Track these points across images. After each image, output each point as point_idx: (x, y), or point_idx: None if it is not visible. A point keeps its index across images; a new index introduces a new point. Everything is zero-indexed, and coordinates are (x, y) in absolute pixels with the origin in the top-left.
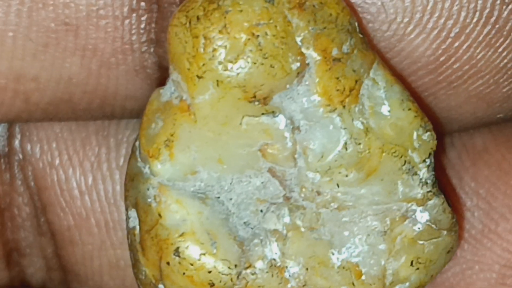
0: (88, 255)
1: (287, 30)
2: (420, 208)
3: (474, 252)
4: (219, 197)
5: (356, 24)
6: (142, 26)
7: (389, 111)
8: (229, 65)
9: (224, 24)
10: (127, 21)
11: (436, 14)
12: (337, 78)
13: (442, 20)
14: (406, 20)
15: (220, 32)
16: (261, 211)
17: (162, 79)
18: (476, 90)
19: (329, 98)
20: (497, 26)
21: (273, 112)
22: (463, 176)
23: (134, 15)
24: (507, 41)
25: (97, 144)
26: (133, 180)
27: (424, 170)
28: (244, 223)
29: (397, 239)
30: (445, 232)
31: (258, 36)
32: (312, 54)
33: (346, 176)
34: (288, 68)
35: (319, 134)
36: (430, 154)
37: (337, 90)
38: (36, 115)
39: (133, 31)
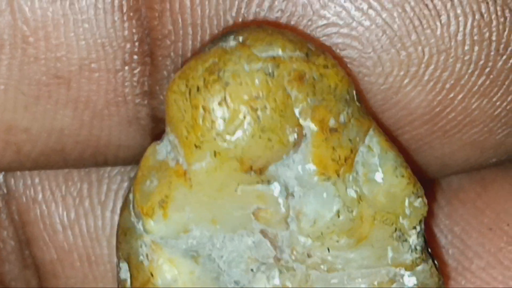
0: None
1: (286, 103)
2: (408, 273)
3: None
4: (210, 254)
5: (354, 92)
6: (135, 78)
7: (382, 178)
8: (227, 137)
9: (223, 96)
10: (119, 74)
11: (432, 67)
12: (333, 148)
13: (437, 72)
14: (402, 73)
15: (219, 104)
16: (252, 270)
17: (156, 129)
18: (470, 138)
19: (324, 168)
20: (491, 76)
21: (268, 181)
22: (438, 213)
23: (126, 68)
24: (501, 91)
25: (79, 180)
26: (126, 235)
27: (414, 236)
28: (235, 281)
29: None
30: None
31: (257, 109)
32: (310, 125)
33: (337, 241)
34: (285, 141)
35: (313, 201)
36: (420, 221)
37: (333, 159)
38: (28, 165)
39: (126, 84)
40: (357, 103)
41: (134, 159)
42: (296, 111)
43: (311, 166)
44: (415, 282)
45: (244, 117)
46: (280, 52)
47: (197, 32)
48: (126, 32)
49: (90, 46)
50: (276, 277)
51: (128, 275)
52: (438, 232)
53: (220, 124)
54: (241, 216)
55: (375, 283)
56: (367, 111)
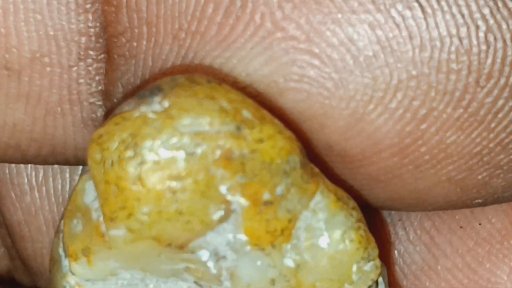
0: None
1: (209, 183)
2: None
3: None
4: None
5: (298, 158)
6: (90, 76)
7: (328, 244)
8: (141, 218)
9: (139, 176)
10: (74, 70)
11: (400, 94)
12: (267, 221)
13: (407, 100)
14: (366, 98)
15: (133, 183)
16: None
17: None
18: (447, 175)
19: (257, 239)
20: (469, 109)
21: (192, 251)
22: None
23: (81, 64)
24: (481, 127)
25: None
26: (54, 265)
27: None
28: None
29: None
30: None
31: (175, 191)
32: (239, 200)
33: None
34: (208, 220)
35: (247, 266)
36: (370, 286)
37: (267, 232)
38: None
39: (81, 81)
40: (300, 170)
41: None
42: (223, 188)
43: (243, 237)
44: None
45: (160, 200)
46: (207, 127)
47: (151, 33)
48: (81, 25)
49: (42, 38)
50: None
51: None
52: (408, 226)
53: (133, 205)
54: (171, 269)
55: None
56: (314, 172)
